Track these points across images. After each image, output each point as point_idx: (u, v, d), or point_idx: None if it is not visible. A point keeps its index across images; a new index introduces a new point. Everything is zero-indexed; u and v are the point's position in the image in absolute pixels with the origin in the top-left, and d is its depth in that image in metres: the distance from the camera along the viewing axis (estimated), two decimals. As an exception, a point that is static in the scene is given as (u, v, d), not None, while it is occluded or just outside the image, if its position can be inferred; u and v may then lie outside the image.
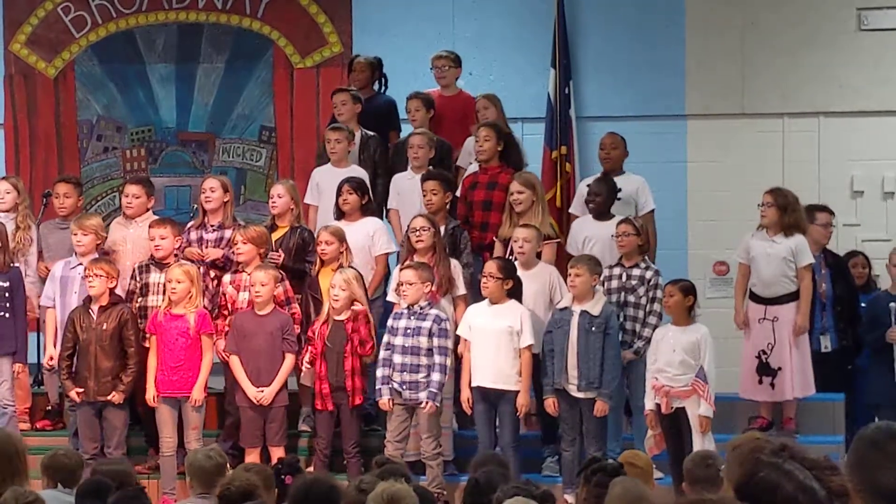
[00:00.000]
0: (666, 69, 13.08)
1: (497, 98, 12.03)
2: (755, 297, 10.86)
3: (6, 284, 10.94)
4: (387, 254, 11.14)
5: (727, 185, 12.96)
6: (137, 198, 11.26)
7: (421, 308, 10.21)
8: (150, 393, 10.50)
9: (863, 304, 11.65)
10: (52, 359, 10.89)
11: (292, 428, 10.93)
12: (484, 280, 10.27)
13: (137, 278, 10.88)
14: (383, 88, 12.49)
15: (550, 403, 10.20)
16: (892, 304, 11.04)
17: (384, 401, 10.21)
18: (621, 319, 10.47)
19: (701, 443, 9.66)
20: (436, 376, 10.13)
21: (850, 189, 13.09)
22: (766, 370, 10.68)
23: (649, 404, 10.05)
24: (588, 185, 11.41)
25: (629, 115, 12.94)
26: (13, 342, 10.96)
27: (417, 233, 10.58)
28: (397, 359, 10.22)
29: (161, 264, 10.78)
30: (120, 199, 12.03)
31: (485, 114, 11.89)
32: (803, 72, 13.07)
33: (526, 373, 10.20)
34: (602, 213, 11.11)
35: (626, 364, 10.42)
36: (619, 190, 11.28)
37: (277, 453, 10.18)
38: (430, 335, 10.17)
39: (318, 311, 10.64)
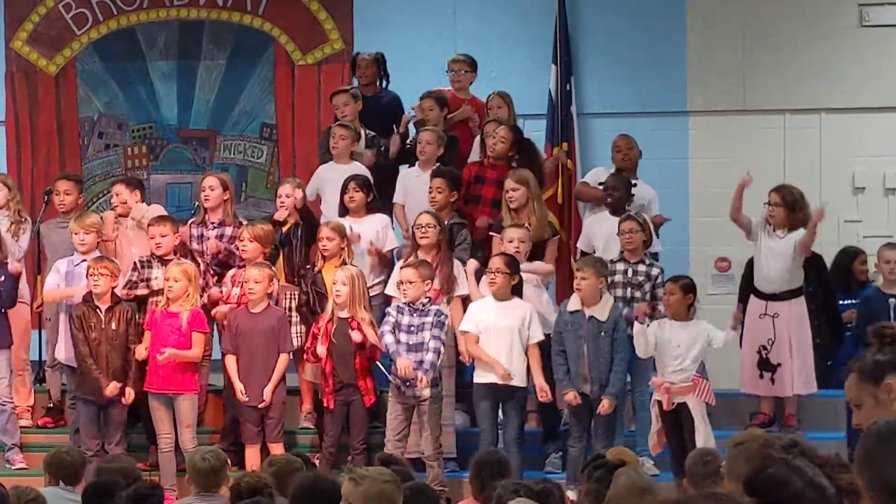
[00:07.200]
0: (667, 66, 13.07)
1: (509, 97, 12.01)
2: (757, 293, 10.86)
3: (1, 279, 10.94)
4: (391, 250, 11.18)
5: (729, 181, 12.88)
6: (118, 194, 11.36)
7: (423, 305, 10.20)
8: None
9: (843, 302, 11.64)
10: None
11: (294, 424, 10.95)
12: (491, 276, 10.26)
13: (140, 271, 10.88)
14: (386, 84, 12.47)
15: (572, 396, 10.15)
16: (892, 301, 10.99)
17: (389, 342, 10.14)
18: (627, 314, 10.48)
19: (703, 434, 9.66)
20: (429, 356, 10.09)
21: (851, 185, 13.10)
22: (766, 365, 10.68)
23: (656, 395, 10.06)
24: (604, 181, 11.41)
25: (631, 112, 12.94)
26: (9, 337, 10.97)
27: (423, 229, 10.59)
28: (403, 350, 10.20)
29: (163, 260, 10.80)
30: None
31: (497, 112, 11.87)
32: (804, 68, 13.07)
33: (537, 365, 10.21)
34: (619, 210, 11.11)
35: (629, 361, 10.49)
36: (635, 185, 11.28)
37: (276, 450, 10.19)
38: (431, 327, 10.16)
39: (321, 305, 10.65)
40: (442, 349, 10.20)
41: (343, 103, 11.91)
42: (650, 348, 10.01)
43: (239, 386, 10.43)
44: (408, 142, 11.94)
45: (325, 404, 10.39)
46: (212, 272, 11.06)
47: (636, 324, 10.02)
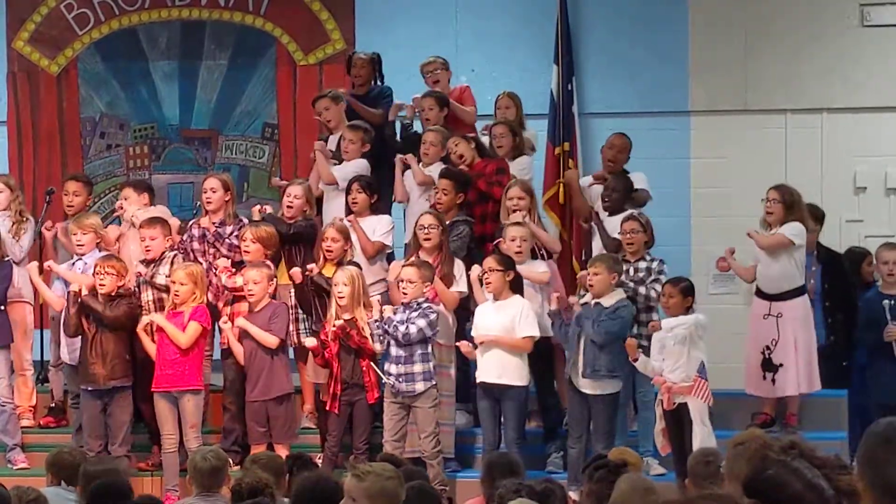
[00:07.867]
0: (669, 65, 13.07)
1: (518, 98, 12.00)
2: (760, 293, 10.87)
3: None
4: (382, 244, 11.12)
5: (730, 181, 12.96)
6: (127, 198, 11.38)
7: (417, 304, 10.20)
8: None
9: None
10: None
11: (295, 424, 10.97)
12: (486, 275, 10.27)
13: (134, 279, 10.90)
14: (381, 83, 12.43)
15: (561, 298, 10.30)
16: (885, 302, 10.98)
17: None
18: (635, 312, 10.48)
19: (701, 434, 9.66)
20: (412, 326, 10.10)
21: (853, 185, 13.09)
22: (769, 366, 10.69)
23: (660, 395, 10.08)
24: (604, 180, 11.44)
25: (632, 112, 12.94)
26: (8, 336, 10.98)
27: (426, 230, 10.59)
28: (393, 351, 10.21)
29: (151, 262, 10.85)
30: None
31: (505, 113, 11.87)
32: (807, 68, 13.07)
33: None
34: (617, 210, 11.12)
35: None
36: (636, 190, 11.29)
37: (282, 451, 10.18)
38: (417, 317, 10.15)
39: (321, 303, 10.64)
40: (423, 324, 10.13)
41: (324, 108, 11.87)
42: (657, 365, 10.01)
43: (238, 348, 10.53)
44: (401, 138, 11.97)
45: (327, 408, 10.37)
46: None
47: (637, 362, 10.02)
